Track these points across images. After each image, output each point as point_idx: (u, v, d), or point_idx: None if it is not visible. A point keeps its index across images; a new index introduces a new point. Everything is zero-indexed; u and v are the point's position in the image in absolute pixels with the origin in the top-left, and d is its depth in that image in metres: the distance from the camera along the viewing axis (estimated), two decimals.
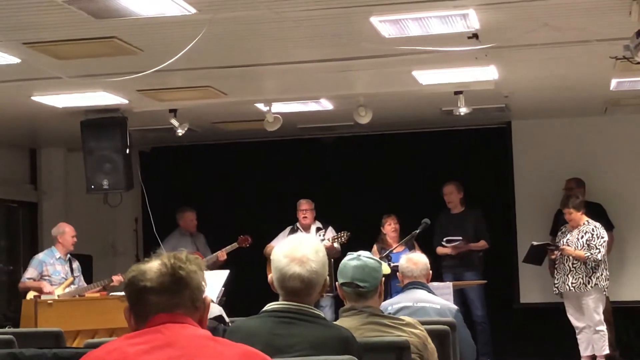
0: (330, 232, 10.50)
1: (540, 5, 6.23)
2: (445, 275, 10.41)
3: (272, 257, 3.45)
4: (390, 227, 10.37)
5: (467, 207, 10.70)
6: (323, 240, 10.26)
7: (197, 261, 2.60)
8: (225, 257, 10.42)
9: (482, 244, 10.53)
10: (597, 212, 10.01)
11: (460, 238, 10.36)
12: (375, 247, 10.14)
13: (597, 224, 9.67)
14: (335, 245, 10.18)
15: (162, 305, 2.53)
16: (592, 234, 9.55)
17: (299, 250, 3.41)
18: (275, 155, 12.06)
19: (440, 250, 10.49)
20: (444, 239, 10.40)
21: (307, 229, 10.54)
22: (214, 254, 10.50)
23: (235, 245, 10.53)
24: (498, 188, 11.25)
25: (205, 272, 2.62)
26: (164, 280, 2.54)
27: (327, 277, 3.51)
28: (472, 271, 10.47)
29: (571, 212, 9.65)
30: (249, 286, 8.90)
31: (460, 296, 10.32)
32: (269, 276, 3.48)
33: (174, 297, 2.54)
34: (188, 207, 11.20)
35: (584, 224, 9.65)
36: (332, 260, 9.76)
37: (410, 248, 9.59)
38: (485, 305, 10.46)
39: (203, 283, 2.60)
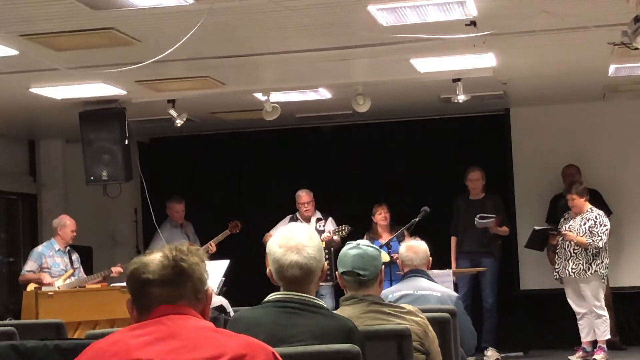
0: (331, 223, 10.49)
1: None
2: (462, 261, 10.40)
3: (267, 250, 3.46)
4: (380, 217, 10.36)
5: (487, 194, 10.68)
6: (323, 231, 10.25)
7: (199, 253, 2.61)
8: (215, 249, 10.32)
9: (505, 229, 10.50)
10: (594, 198, 10.02)
11: (494, 216, 10.32)
12: (365, 238, 10.08)
13: (601, 212, 9.70)
14: (335, 237, 10.17)
15: (165, 297, 2.53)
16: (595, 221, 9.57)
17: (293, 238, 3.42)
18: (273, 145, 12.05)
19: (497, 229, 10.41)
20: (478, 216, 10.33)
21: (307, 219, 10.52)
22: (204, 246, 10.39)
23: (227, 232, 10.48)
24: (497, 175, 11.24)
25: (206, 262, 2.63)
26: (166, 272, 2.54)
27: (326, 263, 3.52)
28: (489, 258, 10.43)
29: (574, 198, 9.66)
30: (250, 275, 8.90)
31: (473, 282, 10.34)
32: (268, 269, 3.48)
33: (176, 289, 2.54)
34: (176, 197, 11.10)
35: (587, 211, 9.67)
36: (333, 249, 9.79)
37: (400, 238, 9.48)
38: (496, 294, 10.43)
39: (205, 274, 2.60)
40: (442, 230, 10.55)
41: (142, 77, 8.48)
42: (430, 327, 4.20)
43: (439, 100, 10.39)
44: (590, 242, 9.52)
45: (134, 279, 2.57)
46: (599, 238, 9.52)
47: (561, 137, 11.08)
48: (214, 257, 9.76)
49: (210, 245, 10.36)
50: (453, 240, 10.58)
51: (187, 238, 10.70)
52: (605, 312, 9.63)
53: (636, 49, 6.79)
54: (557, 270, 9.85)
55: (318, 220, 10.56)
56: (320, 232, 10.18)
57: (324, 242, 9.85)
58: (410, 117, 11.63)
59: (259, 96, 9.46)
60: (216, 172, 12.17)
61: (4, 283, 12.09)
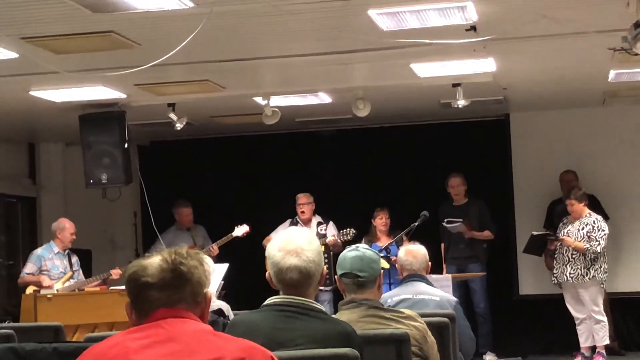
0: (332, 227, 10.50)
1: None
2: (449, 266, 10.42)
3: (267, 254, 3.46)
4: (381, 221, 10.38)
5: (470, 199, 10.69)
6: (324, 235, 10.25)
7: (198, 256, 2.61)
8: (217, 251, 10.31)
9: (487, 234, 10.52)
10: (591, 203, 10.01)
11: (461, 220, 10.33)
12: (363, 241, 10.08)
13: (599, 217, 9.69)
14: (342, 239, 10.15)
15: (163, 301, 2.53)
16: (593, 226, 9.57)
17: (292, 242, 3.42)
18: (273, 149, 12.06)
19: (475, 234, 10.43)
20: (445, 220, 10.36)
21: (307, 222, 10.54)
22: (206, 248, 10.43)
23: (231, 235, 10.48)
24: (497, 180, 11.25)
25: (211, 265, 2.63)
26: (165, 275, 2.54)
27: (325, 267, 3.52)
28: (476, 263, 10.46)
29: (573, 203, 9.66)
30: (249, 278, 8.90)
31: (463, 288, 10.34)
32: (267, 273, 3.48)
33: (175, 293, 2.54)
34: (183, 201, 11.15)
35: (585, 215, 9.67)
36: (332, 254, 9.79)
37: (399, 243, 9.47)
38: (487, 298, 10.47)
39: (204, 278, 2.60)
40: (439, 235, 10.56)
41: (142, 81, 8.48)
42: (429, 332, 4.20)
43: (439, 105, 10.40)
44: (588, 247, 9.51)
45: (133, 282, 2.57)
46: (597, 243, 9.51)
47: (561, 142, 11.08)
48: (215, 259, 9.79)
49: (212, 248, 10.38)
50: (442, 247, 10.60)
51: (193, 242, 10.69)
52: (604, 318, 9.62)
53: (636, 54, 6.80)
54: (555, 275, 9.85)
55: (319, 224, 10.58)
56: (321, 235, 10.18)
57: (330, 245, 9.91)
58: (410, 122, 11.63)
59: (259, 100, 9.47)
60: (216, 176, 12.16)
61: (3, 285, 12.07)
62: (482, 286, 10.44)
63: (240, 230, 10.47)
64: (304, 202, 10.59)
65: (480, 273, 10.23)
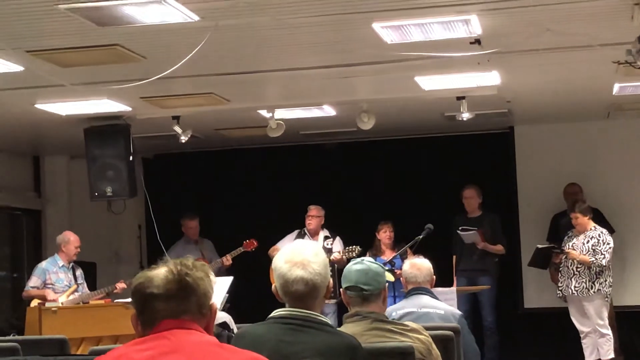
0: (338, 242, 10.50)
1: (542, 10, 6.24)
2: (459, 279, 10.40)
3: (273, 266, 3.46)
4: (385, 235, 10.38)
5: (484, 212, 10.68)
6: (330, 249, 10.25)
7: (204, 268, 2.61)
8: (230, 262, 10.45)
9: (500, 247, 10.51)
10: (595, 216, 9.99)
11: (475, 229, 10.32)
12: (368, 254, 10.07)
13: (604, 230, 9.67)
14: (344, 257, 10.14)
15: (169, 312, 2.53)
16: (598, 240, 9.55)
17: (299, 254, 3.42)
18: (278, 162, 12.06)
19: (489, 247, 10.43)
20: (460, 227, 10.35)
21: (313, 235, 10.55)
22: (219, 260, 10.51)
23: (240, 249, 10.53)
24: (501, 193, 11.25)
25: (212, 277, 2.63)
26: (171, 287, 2.54)
27: (331, 280, 3.52)
28: (486, 276, 10.43)
29: (577, 216, 9.65)
30: (254, 291, 8.90)
31: (472, 300, 10.32)
32: (273, 286, 3.48)
33: (180, 304, 2.54)
34: (190, 214, 11.18)
35: (590, 229, 9.65)
36: (337, 267, 9.80)
37: (403, 256, 9.44)
38: (495, 311, 10.44)
39: (210, 290, 2.60)
40: (445, 248, 10.54)
41: (147, 94, 8.50)
42: (433, 345, 4.20)
43: (443, 118, 10.40)
44: (593, 261, 9.50)
45: (139, 293, 2.57)
46: (602, 256, 9.50)
47: (565, 155, 11.08)
48: (226, 272, 9.82)
49: (226, 258, 10.44)
50: (454, 259, 10.59)
51: (201, 255, 10.72)
52: (608, 331, 9.60)
53: None
54: (560, 288, 9.84)
55: (326, 237, 10.58)
56: (327, 249, 10.18)
57: (333, 261, 9.90)
58: (415, 135, 11.63)
59: (264, 113, 9.48)
60: (220, 188, 12.17)
61: (8, 298, 12.08)
62: (491, 300, 10.41)
63: (249, 245, 10.53)
64: (313, 215, 10.61)
65: (487, 286, 10.20)
